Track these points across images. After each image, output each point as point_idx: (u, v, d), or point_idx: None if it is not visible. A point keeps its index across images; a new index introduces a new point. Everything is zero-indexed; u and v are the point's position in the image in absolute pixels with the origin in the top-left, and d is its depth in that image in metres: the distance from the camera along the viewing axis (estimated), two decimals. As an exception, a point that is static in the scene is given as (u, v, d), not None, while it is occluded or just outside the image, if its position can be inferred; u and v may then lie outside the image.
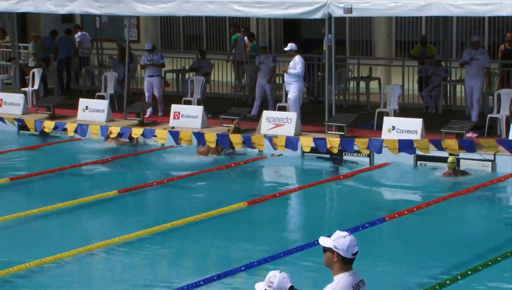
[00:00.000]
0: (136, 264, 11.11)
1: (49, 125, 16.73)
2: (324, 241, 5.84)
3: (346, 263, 5.79)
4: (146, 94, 20.73)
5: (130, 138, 18.56)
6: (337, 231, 5.86)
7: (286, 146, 14.30)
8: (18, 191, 15.08)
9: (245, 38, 24.70)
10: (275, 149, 15.00)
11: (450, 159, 15.40)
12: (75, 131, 16.31)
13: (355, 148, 14.08)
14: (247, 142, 14.65)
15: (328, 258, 5.82)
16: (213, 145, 15.66)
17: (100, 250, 11.39)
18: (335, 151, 14.49)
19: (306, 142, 14.47)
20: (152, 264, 11.07)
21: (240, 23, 25.32)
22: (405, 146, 14.50)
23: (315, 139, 14.42)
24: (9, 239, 12.41)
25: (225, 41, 26.33)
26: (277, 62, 19.99)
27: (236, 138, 14.88)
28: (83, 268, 10.91)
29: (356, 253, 5.78)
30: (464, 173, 15.46)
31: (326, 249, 5.82)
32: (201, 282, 9.84)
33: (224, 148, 17.08)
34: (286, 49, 18.47)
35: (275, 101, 19.96)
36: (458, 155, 15.49)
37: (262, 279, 5.86)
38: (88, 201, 13.94)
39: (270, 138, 14.63)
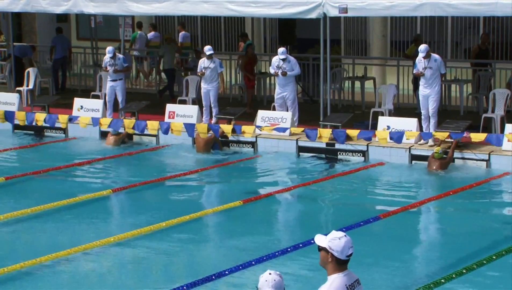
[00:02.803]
0: (131, 264, 11.10)
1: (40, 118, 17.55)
2: (319, 240, 5.75)
3: (340, 264, 5.71)
4: (107, 99, 19.59)
5: (128, 136, 18.60)
6: (333, 231, 5.77)
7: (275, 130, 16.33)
8: (13, 191, 15.05)
9: (153, 33, 25.50)
10: (260, 131, 16.21)
11: (436, 149, 15.46)
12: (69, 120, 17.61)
13: (351, 147, 14.24)
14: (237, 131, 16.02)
15: (323, 257, 5.74)
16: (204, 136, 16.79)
17: (95, 250, 11.36)
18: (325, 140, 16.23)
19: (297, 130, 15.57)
20: (147, 263, 11.06)
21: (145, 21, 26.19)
22: (396, 136, 14.91)
23: (305, 129, 15.00)
24: (3, 238, 12.39)
25: (220, 41, 26.33)
26: (223, 67, 19.27)
27: (227, 128, 16.07)
28: (77, 268, 10.87)
29: (350, 254, 5.70)
30: (451, 162, 15.56)
31: (320, 248, 5.74)
32: (199, 281, 9.85)
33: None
34: (283, 57, 17.81)
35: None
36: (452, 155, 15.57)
37: (258, 278, 5.82)
38: (82, 200, 13.93)
39: (258, 127, 15.92)
